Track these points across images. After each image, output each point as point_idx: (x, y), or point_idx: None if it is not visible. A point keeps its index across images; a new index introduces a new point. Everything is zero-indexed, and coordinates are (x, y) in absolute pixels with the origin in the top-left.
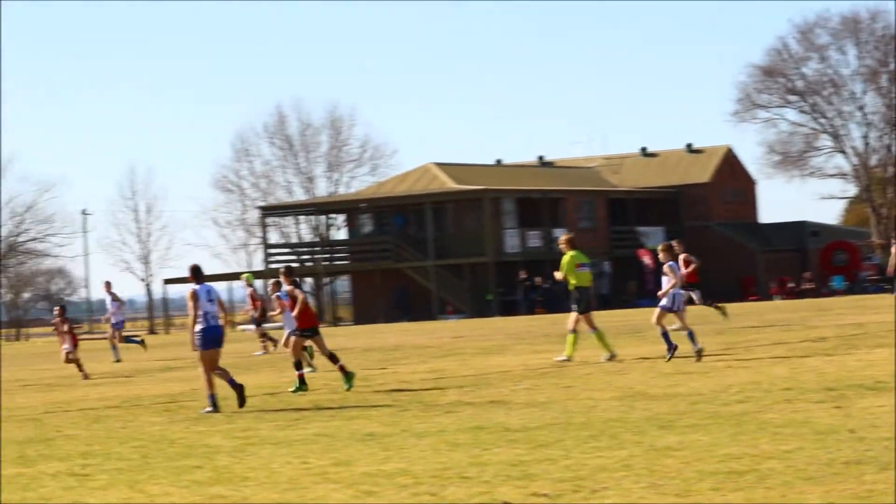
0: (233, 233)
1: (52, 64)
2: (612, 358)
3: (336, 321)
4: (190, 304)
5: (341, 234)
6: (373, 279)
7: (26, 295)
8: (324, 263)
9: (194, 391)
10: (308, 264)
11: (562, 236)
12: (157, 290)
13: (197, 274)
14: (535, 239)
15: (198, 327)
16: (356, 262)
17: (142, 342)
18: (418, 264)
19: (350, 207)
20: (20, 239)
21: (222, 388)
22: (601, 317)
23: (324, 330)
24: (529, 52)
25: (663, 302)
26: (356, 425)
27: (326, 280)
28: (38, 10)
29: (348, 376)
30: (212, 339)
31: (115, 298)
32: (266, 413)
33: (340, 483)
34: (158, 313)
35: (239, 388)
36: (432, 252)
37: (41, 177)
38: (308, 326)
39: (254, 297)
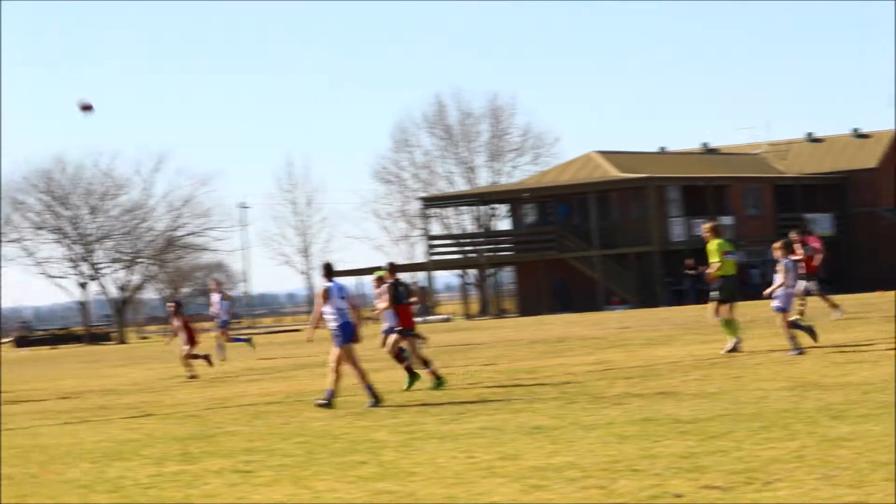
0: (394, 224)
1: (207, 58)
2: (734, 349)
3: (500, 313)
4: (318, 300)
5: (504, 224)
6: (536, 270)
7: (185, 290)
8: (487, 255)
9: (356, 385)
10: (471, 255)
11: (705, 224)
12: (318, 283)
13: (328, 271)
14: (700, 227)
15: (333, 324)
16: (520, 252)
17: (249, 340)
18: (583, 254)
19: (512, 197)
20: (178, 233)
21: (342, 381)
22: (754, 307)
23: (488, 322)
24: (693, 38)
25: (776, 304)
26: (523, 418)
27: (490, 271)
28: (198, 7)
29: (439, 380)
30: (348, 334)
31: (224, 297)
32: (431, 407)
33: (507, 477)
34: None
35: (372, 390)
36: (597, 241)
37: (198, 170)
38: (407, 326)
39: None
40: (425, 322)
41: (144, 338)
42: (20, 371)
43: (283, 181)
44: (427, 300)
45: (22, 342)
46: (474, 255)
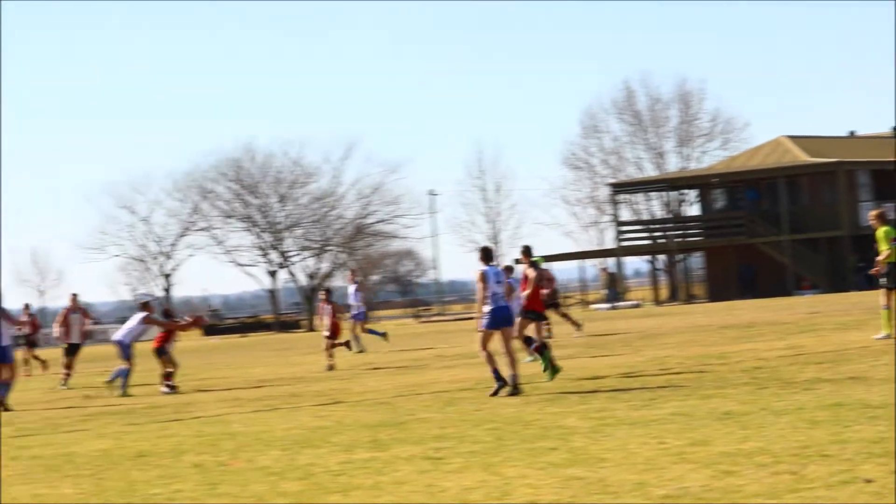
0: (583, 210)
1: (396, 45)
2: (887, 337)
3: (689, 298)
4: (479, 285)
5: (693, 209)
6: (726, 255)
7: (374, 277)
8: (676, 240)
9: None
10: (660, 241)
11: (872, 211)
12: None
13: (486, 256)
14: (892, 212)
15: (486, 308)
16: (709, 237)
17: (384, 334)
18: (772, 239)
19: (702, 182)
20: (367, 221)
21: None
22: None
23: (678, 308)
24: (883, 17)
25: None
26: (713, 404)
27: (679, 257)
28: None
29: (554, 370)
30: (500, 318)
31: (359, 288)
32: (621, 393)
33: (698, 463)
34: None
35: (501, 381)
36: (786, 226)
37: (388, 158)
38: (534, 309)
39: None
40: (614, 308)
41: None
42: (210, 359)
43: (472, 168)
44: (618, 286)
45: (211, 330)
46: (663, 240)
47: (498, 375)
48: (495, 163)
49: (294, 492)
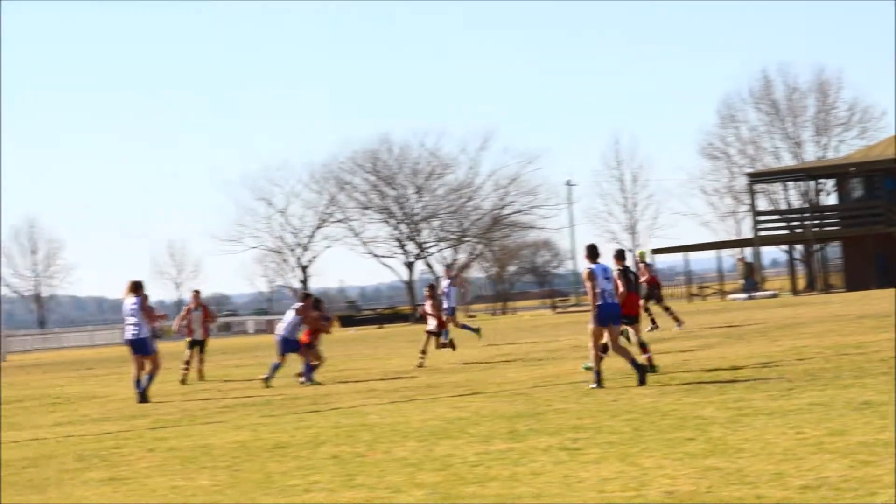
0: (720, 200)
1: (523, 36)
2: None
3: (827, 288)
4: (588, 284)
5: (831, 199)
6: (864, 244)
7: (511, 268)
8: (813, 230)
9: (685, 362)
10: (797, 231)
11: None
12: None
13: (592, 253)
14: None
15: (597, 304)
16: (846, 227)
17: (477, 330)
18: None
19: (839, 172)
20: (504, 211)
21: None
22: None
23: (815, 297)
24: None
25: None
26: (851, 394)
27: (816, 246)
28: None
29: (652, 368)
30: (607, 316)
31: (455, 283)
32: (759, 383)
33: (836, 453)
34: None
35: (640, 369)
36: None
37: (525, 149)
38: (629, 313)
39: (646, 273)
40: (751, 298)
41: (471, 316)
42: (347, 350)
43: (609, 158)
44: (755, 276)
45: (348, 322)
46: (801, 230)
47: (599, 375)
48: (632, 153)
49: (431, 483)
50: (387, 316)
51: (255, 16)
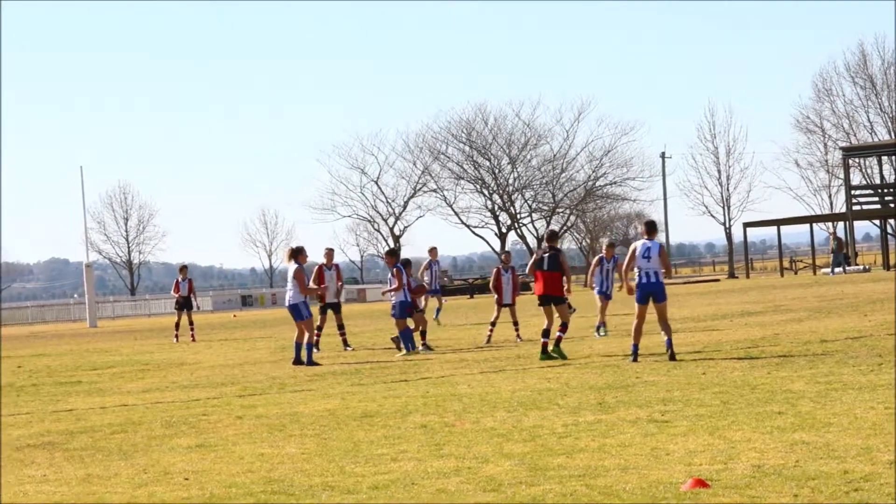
0: (814, 175)
1: (630, 10)
2: None
3: None
4: (628, 258)
5: None
6: None
7: (604, 240)
8: None
9: (776, 336)
10: (892, 205)
11: None
12: (737, 233)
13: (651, 228)
14: None
15: (633, 282)
16: None
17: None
18: None
19: None
20: (598, 183)
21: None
22: None
23: None
24: None
25: None
26: None
27: None
28: None
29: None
30: (644, 293)
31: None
32: (849, 357)
33: None
34: (738, 256)
35: (669, 347)
36: None
37: (620, 120)
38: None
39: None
40: (843, 272)
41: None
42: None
43: (703, 130)
44: (846, 250)
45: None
46: (894, 204)
47: (636, 350)
48: (727, 126)
49: (519, 453)
50: (478, 286)
51: None
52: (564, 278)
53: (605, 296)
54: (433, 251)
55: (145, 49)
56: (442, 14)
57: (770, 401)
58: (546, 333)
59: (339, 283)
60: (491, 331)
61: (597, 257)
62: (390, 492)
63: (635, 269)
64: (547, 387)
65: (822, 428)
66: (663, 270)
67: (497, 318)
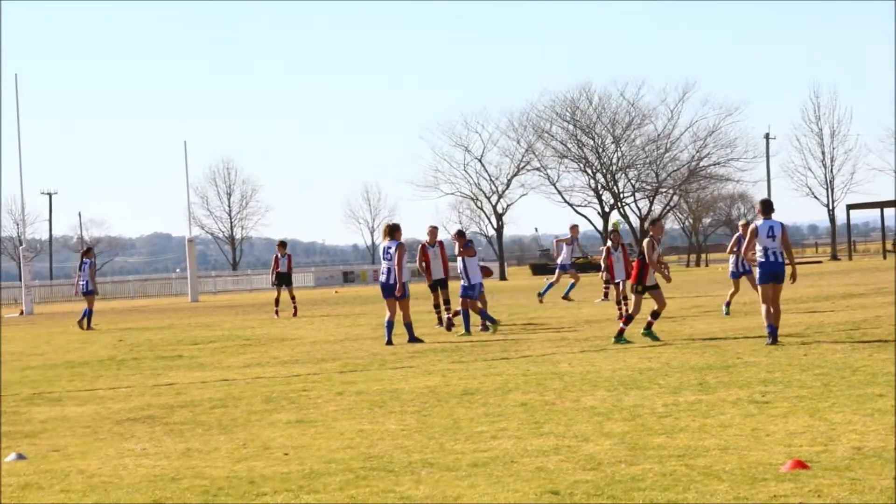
0: None
1: None
2: None
3: None
4: (749, 237)
5: None
6: None
7: (706, 220)
8: None
9: (878, 318)
10: None
11: None
12: (841, 215)
13: (765, 209)
14: None
15: (760, 261)
16: None
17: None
18: None
19: None
20: (702, 164)
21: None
22: None
23: None
24: None
25: None
26: None
27: None
28: None
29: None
30: (769, 274)
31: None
32: None
33: None
34: (842, 238)
35: (771, 330)
36: None
37: (725, 100)
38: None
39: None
40: None
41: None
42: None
43: (808, 112)
44: None
45: (541, 270)
46: None
47: (772, 330)
48: (831, 107)
49: (619, 432)
50: (580, 265)
51: None
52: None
53: (742, 272)
54: (574, 228)
55: (252, 29)
56: None
57: (871, 383)
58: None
59: (444, 261)
60: (620, 309)
61: (735, 236)
62: (490, 469)
63: (758, 249)
64: (648, 366)
65: None
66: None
67: (619, 294)
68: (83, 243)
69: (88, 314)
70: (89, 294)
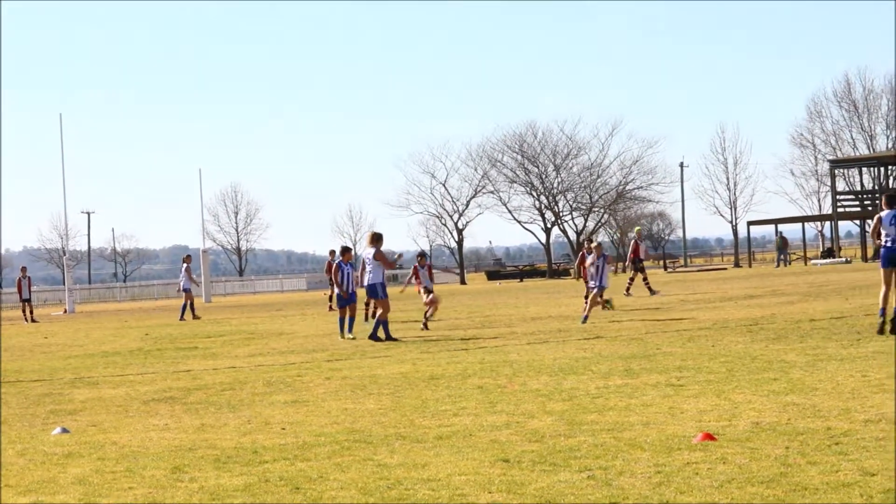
0: (806, 182)
1: (659, 42)
2: None
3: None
4: (874, 226)
5: None
6: None
7: (631, 234)
8: None
9: (773, 315)
10: (869, 208)
11: None
12: (742, 230)
13: (889, 202)
14: None
15: (886, 246)
16: None
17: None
18: None
19: None
20: (628, 188)
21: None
22: None
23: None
24: None
25: None
26: None
27: None
28: None
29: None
30: (890, 258)
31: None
32: (833, 334)
33: (894, 393)
34: (743, 250)
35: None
36: None
37: (647, 135)
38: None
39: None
40: (831, 263)
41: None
42: (493, 300)
43: (716, 144)
44: (787, 248)
45: (494, 276)
46: (871, 207)
47: (883, 313)
48: (735, 140)
49: (559, 411)
50: (527, 272)
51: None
52: None
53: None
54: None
55: (253, 71)
56: (500, 44)
57: (767, 369)
58: None
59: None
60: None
61: (581, 254)
62: (452, 441)
63: (883, 235)
64: (583, 355)
65: (810, 392)
66: None
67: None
68: (118, 255)
69: (189, 306)
70: (186, 291)
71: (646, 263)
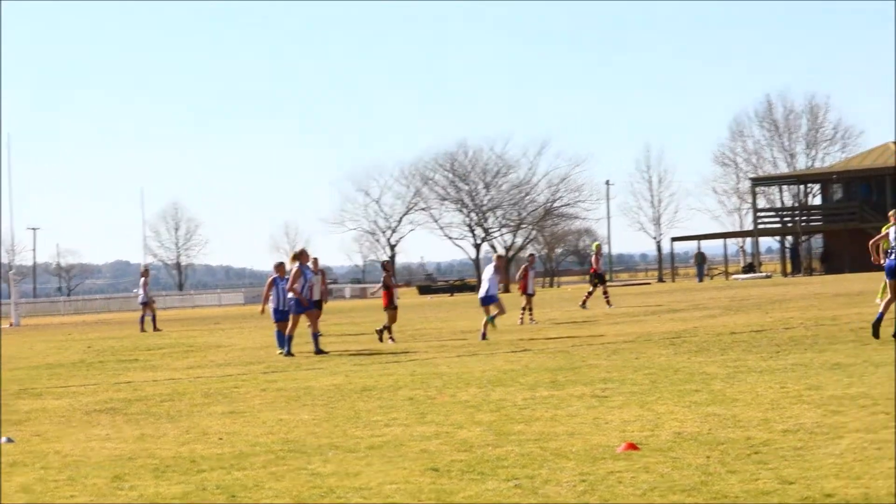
0: (728, 199)
1: (586, 55)
2: None
3: (810, 272)
4: (875, 238)
5: (816, 200)
6: (841, 237)
7: (558, 250)
8: (802, 224)
9: (695, 329)
10: (789, 225)
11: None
12: (666, 246)
13: None
14: None
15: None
16: (828, 223)
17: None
18: (879, 225)
19: (824, 179)
20: (556, 205)
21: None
22: None
23: (800, 279)
24: None
25: None
26: (825, 357)
27: (803, 238)
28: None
29: None
30: (893, 271)
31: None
32: (752, 346)
33: (812, 404)
34: (666, 265)
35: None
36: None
37: (574, 154)
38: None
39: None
40: (752, 278)
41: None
42: (424, 314)
43: (640, 163)
44: (706, 264)
45: (425, 290)
46: (791, 224)
47: (881, 315)
48: (659, 159)
49: (487, 421)
50: (457, 286)
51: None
52: None
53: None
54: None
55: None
56: (432, 61)
57: (689, 381)
58: None
59: (325, 286)
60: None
61: (491, 265)
62: (383, 451)
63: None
64: (510, 368)
65: (730, 403)
66: None
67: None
68: (62, 270)
69: (152, 318)
70: (144, 304)
71: (572, 279)
